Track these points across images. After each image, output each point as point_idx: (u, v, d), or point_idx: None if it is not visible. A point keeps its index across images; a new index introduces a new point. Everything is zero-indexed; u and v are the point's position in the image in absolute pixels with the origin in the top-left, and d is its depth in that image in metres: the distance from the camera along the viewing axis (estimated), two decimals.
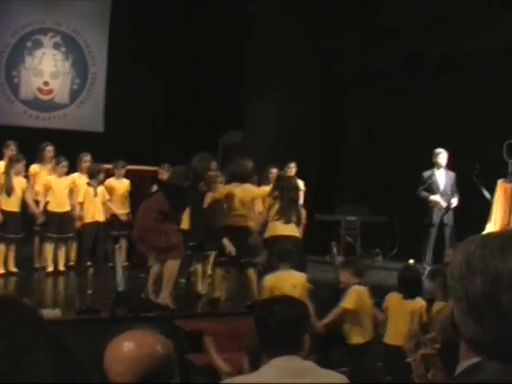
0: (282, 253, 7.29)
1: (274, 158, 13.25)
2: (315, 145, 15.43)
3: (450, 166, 11.49)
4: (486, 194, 11.40)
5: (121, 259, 9.53)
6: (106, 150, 12.64)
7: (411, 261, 11.86)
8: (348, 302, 6.58)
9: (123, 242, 11.68)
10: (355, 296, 6.59)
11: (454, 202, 11.40)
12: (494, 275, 1.32)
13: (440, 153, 11.61)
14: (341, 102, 15.93)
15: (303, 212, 9.80)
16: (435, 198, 11.46)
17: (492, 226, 11.15)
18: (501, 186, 11.30)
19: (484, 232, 10.04)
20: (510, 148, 11.23)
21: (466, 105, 12.76)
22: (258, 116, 15.61)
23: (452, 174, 11.53)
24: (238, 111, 15.73)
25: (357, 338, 6.62)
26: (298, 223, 9.06)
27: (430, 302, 6.52)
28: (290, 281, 7.03)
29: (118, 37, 15.32)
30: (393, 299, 6.54)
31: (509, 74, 12.02)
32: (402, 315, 6.41)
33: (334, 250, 11.37)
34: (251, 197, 8.96)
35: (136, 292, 8.66)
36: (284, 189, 9.02)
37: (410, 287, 6.47)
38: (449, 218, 11.51)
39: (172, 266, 8.28)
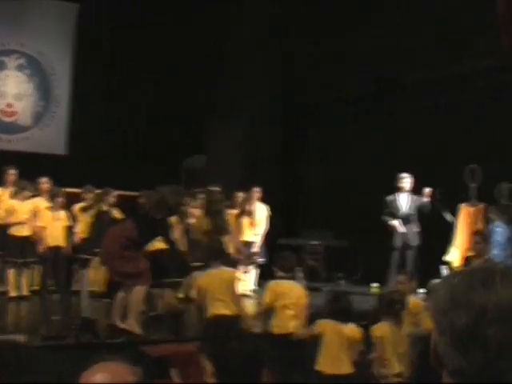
0: (213, 251, 7.96)
1: (237, 183, 13.33)
2: (278, 169, 15.49)
3: (414, 190, 11.64)
4: (449, 218, 11.59)
5: (87, 284, 9.55)
6: (69, 173, 12.58)
7: (374, 284, 12.22)
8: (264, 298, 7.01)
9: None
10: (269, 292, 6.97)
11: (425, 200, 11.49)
12: (478, 309, 1.33)
13: (404, 177, 11.75)
14: (303, 126, 16.01)
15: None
16: (394, 222, 11.60)
17: (456, 250, 11.42)
18: (464, 209, 11.58)
19: (448, 255, 10.99)
20: (471, 172, 11.53)
21: (428, 129, 12.97)
22: (221, 140, 15.64)
23: (418, 199, 11.60)
24: (202, 135, 15.78)
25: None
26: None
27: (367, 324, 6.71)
28: (219, 277, 7.53)
29: (84, 60, 15.26)
30: (327, 326, 6.54)
31: (471, 99, 12.33)
32: (337, 341, 6.43)
33: (299, 274, 11.14)
34: None
35: (102, 318, 8.54)
36: None
37: (341, 314, 6.54)
38: (413, 242, 11.61)
39: (139, 292, 8.22)
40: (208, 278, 7.62)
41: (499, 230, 11.07)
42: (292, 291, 7.29)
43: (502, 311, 1.32)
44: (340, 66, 14.59)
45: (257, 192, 12.50)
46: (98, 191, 11.94)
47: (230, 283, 7.69)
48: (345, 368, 6.29)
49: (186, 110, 15.05)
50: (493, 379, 1.32)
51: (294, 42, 15.07)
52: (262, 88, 15.11)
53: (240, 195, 12.09)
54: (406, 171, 11.69)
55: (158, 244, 9.18)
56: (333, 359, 6.33)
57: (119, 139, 15.16)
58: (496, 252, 11.01)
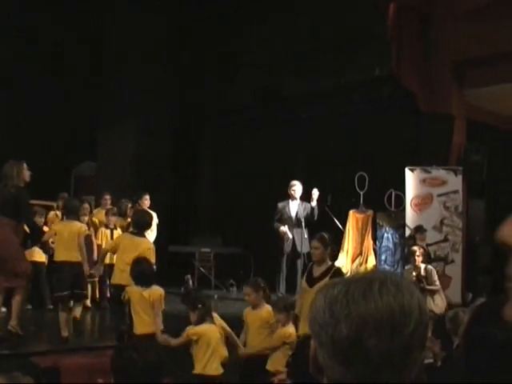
0: (68, 208, 8.73)
1: (128, 190, 13.13)
2: (169, 176, 15.39)
3: (304, 197, 11.73)
4: (338, 224, 11.82)
5: None
6: None
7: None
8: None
9: None
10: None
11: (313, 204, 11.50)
12: (358, 321, 1.32)
13: (294, 185, 11.84)
14: (196, 133, 16.01)
15: None
16: (283, 228, 11.65)
17: (344, 255, 11.68)
18: (353, 216, 11.84)
19: (337, 261, 10.86)
20: (361, 180, 11.74)
21: (319, 137, 13.25)
22: (111, 147, 15.36)
23: (307, 205, 11.65)
24: (92, 142, 15.47)
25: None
26: None
27: None
28: (68, 228, 8.31)
29: None
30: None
31: (357, 109, 12.73)
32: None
33: (189, 282, 11.81)
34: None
35: None
36: None
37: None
38: (302, 249, 11.60)
39: (23, 292, 8.11)
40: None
41: (387, 236, 11.42)
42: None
43: (381, 321, 1.32)
44: (225, 75, 14.88)
45: (146, 199, 12.25)
46: None
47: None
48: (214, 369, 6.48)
49: (77, 116, 14.80)
50: None
51: (182, 51, 15.21)
52: (156, 94, 15.04)
53: (129, 205, 11.77)
54: (297, 178, 11.84)
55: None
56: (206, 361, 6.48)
57: (8, 146, 14.31)
58: (385, 257, 11.48)
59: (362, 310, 1.33)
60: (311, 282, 7.17)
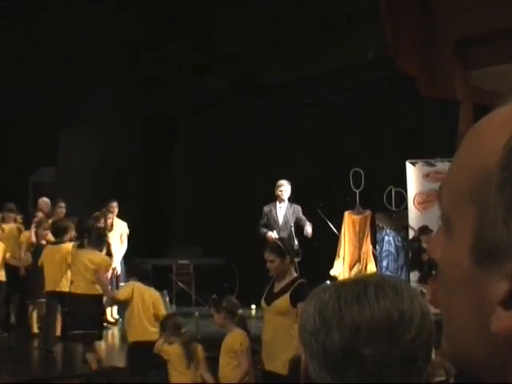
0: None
1: (92, 198, 12.89)
2: (139, 180, 15.00)
3: (293, 198, 11.22)
4: (332, 227, 11.48)
5: None
6: None
7: (253, 306, 11.76)
8: None
9: None
10: None
11: (309, 230, 10.90)
12: (351, 328, 1.30)
13: (282, 185, 11.22)
14: (168, 131, 15.50)
15: None
16: (271, 234, 10.99)
17: (341, 263, 11.23)
18: (349, 217, 11.37)
19: (333, 269, 10.73)
20: (357, 176, 11.29)
21: (307, 130, 12.83)
22: (72, 150, 14.86)
23: (297, 208, 11.14)
24: (51, 145, 14.91)
25: None
26: None
27: None
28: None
29: None
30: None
31: (349, 96, 12.37)
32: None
33: (166, 298, 10.86)
34: None
35: None
36: None
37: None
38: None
39: None
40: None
41: (389, 239, 11.04)
42: None
43: (377, 328, 1.30)
44: (200, 65, 14.41)
45: (114, 207, 11.94)
46: None
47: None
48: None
49: (33, 117, 14.33)
50: None
51: (148, 45, 14.74)
52: (120, 88, 14.47)
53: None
54: (284, 177, 11.25)
55: None
56: None
57: None
58: (386, 263, 11.07)
59: (356, 316, 1.31)
60: (269, 299, 6.56)
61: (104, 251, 9.08)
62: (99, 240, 8.81)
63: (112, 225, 11.88)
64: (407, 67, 10.53)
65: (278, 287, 6.52)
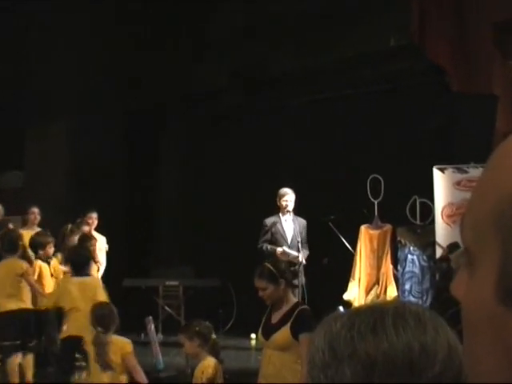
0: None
1: (65, 206, 12.80)
2: (121, 187, 14.74)
3: (296, 210, 10.76)
4: (347, 244, 11.10)
5: None
6: None
7: (253, 335, 11.32)
8: None
9: None
10: None
11: (302, 256, 10.34)
12: (365, 362, 1.23)
13: (286, 194, 10.51)
14: (154, 131, 15.23)
15: None
16: (280, 249, 10.30)
17: (356, 285, 10.84)
18: (365, 232, 10.95)
19: (347, 293, 10.45)
20: (376, 184, 10.99)
21: (317, 130, 12.59)
22: (42, 151, 14.53)
23: (302, 222, 10.55)
24: (18, 146, 14.71)
25: None
26: None
27: None
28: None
29: None
30: None
31: (367, 91, 12.15)
32: None
33: (151, 326, 10.71)
34: None
35: None
36: None
37: None
38: (299, 278, 10.33)
39: None
40: None
41: (412, 258, 10.61)
42: None
43: (395, 362, 1.23)
44: (194, 55, 14.33)
45: (93, 218, 11.51)
46: None
47: None
48: None
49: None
50: None
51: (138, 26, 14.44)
52: (99, 82, 14.12)
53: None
54: (289, 185, 10.62)
55: None
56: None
57: None
58: (409, 286, 10.71)
59: (371, 348, 1.24)
60: (267, 332, 6.14)
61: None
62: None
63: None
64: (436, 56, 10.38)
65: (275, 318, 6.16)
